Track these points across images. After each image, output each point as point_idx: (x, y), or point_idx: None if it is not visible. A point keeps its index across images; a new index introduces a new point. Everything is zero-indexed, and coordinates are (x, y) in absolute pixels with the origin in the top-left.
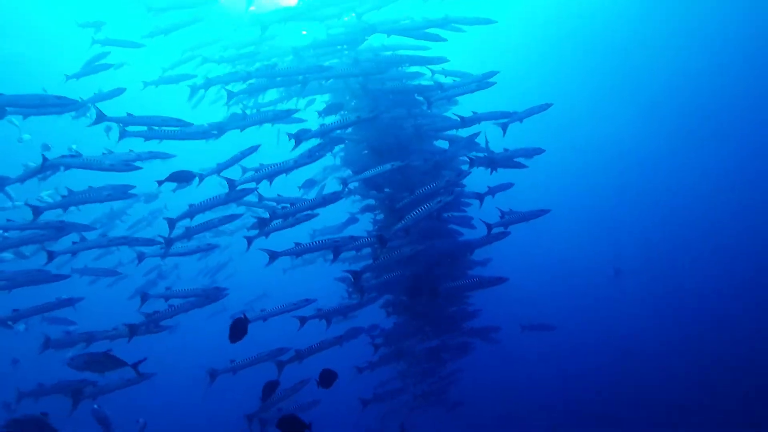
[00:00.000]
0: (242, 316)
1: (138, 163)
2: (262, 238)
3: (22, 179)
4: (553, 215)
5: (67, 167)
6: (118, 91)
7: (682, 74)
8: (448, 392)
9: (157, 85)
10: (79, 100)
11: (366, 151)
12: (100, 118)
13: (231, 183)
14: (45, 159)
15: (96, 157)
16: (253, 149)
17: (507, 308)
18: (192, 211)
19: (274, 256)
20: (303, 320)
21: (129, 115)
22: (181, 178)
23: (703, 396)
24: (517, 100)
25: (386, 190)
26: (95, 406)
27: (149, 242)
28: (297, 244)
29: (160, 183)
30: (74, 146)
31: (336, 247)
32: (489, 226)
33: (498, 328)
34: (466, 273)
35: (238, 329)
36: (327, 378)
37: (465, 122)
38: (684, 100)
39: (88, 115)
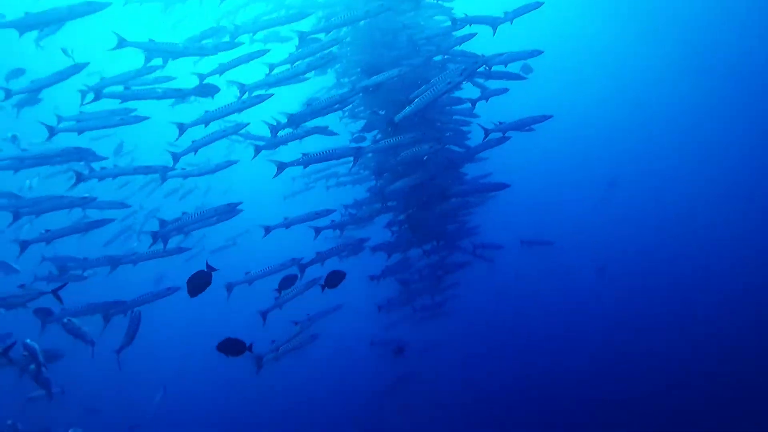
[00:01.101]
0: (205, 268)
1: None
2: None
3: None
4: (554, 124)
5: (124, 99)
6: (100, 6)
7: None
8: (446, 306)
9: (141, 3)
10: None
11: (358, 69)
12: (121, 43)
13: (242, 87)
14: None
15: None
16: (262, 53)
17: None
18: (206, 118)
19: (281, 167)
20: (318, 231)
21: (151, 41)
22: (207, 91)
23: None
24: None
25: (381, 112)
26: (65, 320)
27: (165, 169)
28: (304, 154)
29: (185, 94)
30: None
31: (355, 152)
32: (486, 131)
33: (500, 246)
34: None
35: (198, 282)
36: (334, 278)
37: (456, 24)
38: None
39: (40, 44)
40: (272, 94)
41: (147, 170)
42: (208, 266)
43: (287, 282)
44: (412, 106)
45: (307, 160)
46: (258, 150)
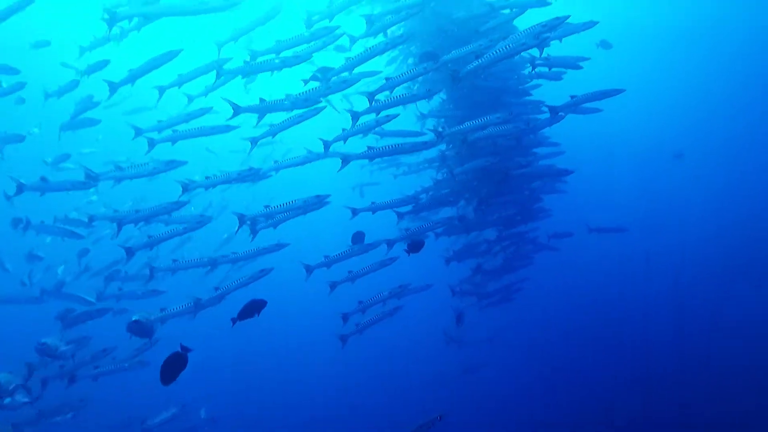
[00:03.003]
0: (179, 350)
1: None
2: None
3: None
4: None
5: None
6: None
7: None
8: (511, 295)
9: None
10: None
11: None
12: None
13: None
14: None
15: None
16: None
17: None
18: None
19: (346, 159)
20: (400, 215)
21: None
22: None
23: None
24: None
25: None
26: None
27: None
28: (369, 147)
29: (305, 82)
30: None
31: (437, 135)
32: (553, 110)
33: (570, 234)
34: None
35: (173, 368)
36: (416, 245)
37: None
38: None
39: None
40: (359, 79)
41: (250, 173)
42: (182, 347)
43: (358, 238)
44: (480, 60)
45: (374, 154)
46: (341, 137)
